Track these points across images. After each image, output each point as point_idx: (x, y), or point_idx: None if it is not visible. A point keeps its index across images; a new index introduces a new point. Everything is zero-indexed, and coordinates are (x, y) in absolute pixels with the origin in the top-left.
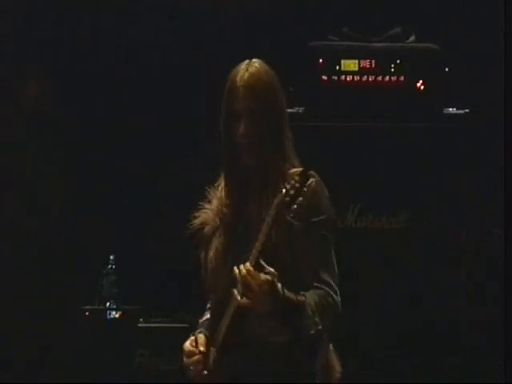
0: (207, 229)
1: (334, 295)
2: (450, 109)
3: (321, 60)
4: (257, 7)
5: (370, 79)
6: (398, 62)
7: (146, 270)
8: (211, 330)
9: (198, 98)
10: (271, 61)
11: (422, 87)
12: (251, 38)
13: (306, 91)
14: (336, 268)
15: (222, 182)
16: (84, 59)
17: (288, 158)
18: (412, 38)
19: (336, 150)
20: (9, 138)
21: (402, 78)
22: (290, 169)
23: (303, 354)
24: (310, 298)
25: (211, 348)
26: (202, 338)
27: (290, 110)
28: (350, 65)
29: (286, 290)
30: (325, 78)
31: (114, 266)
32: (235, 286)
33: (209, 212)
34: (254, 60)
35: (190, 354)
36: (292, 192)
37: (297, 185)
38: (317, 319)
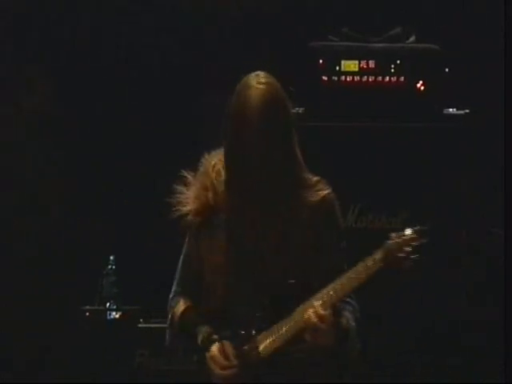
0: (194, 218)
1: (357, 306)
2: (450, 109)
3: (321, 60)
4: (257, 7)
5: (370, 79)
6: (398, 62)
7: (146, 270)
8: (214, 329)
9: (198, 97)
10: (271, 61)
11: (422, 87)
12: (251, 38)
13: (306, 91)
14: None
15: (210, 171)
16: (84, 59)
17: (300, 164)
18: (412, 39)
19: (336, 149)
20: (9, 138)
21: (402, 79)
22: (303, 174)
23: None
24: (351, 319)
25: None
26: (228, 346)
27: None
28: (349, 65)
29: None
30: (325, 78)
31: (113, 267)
32: (238, 287)
33: (192, 199)
34: (260, 75)
35: (224, 367)
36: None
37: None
38: (357, 342)
